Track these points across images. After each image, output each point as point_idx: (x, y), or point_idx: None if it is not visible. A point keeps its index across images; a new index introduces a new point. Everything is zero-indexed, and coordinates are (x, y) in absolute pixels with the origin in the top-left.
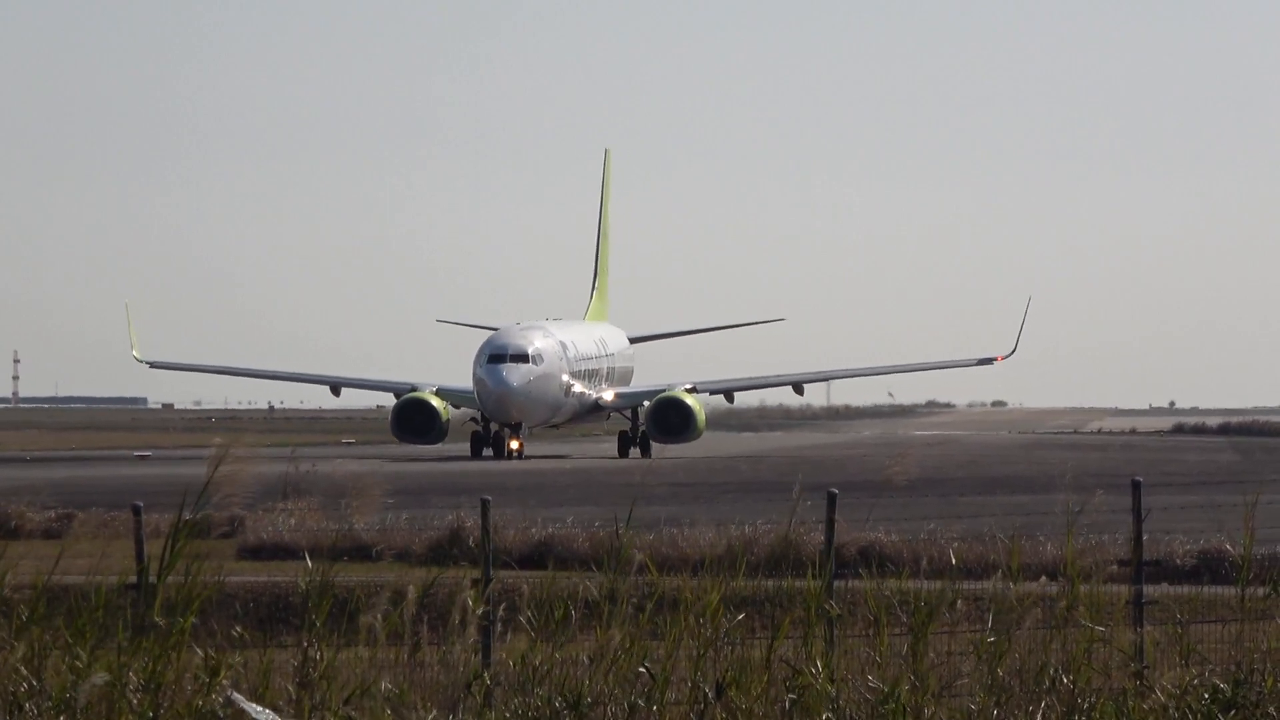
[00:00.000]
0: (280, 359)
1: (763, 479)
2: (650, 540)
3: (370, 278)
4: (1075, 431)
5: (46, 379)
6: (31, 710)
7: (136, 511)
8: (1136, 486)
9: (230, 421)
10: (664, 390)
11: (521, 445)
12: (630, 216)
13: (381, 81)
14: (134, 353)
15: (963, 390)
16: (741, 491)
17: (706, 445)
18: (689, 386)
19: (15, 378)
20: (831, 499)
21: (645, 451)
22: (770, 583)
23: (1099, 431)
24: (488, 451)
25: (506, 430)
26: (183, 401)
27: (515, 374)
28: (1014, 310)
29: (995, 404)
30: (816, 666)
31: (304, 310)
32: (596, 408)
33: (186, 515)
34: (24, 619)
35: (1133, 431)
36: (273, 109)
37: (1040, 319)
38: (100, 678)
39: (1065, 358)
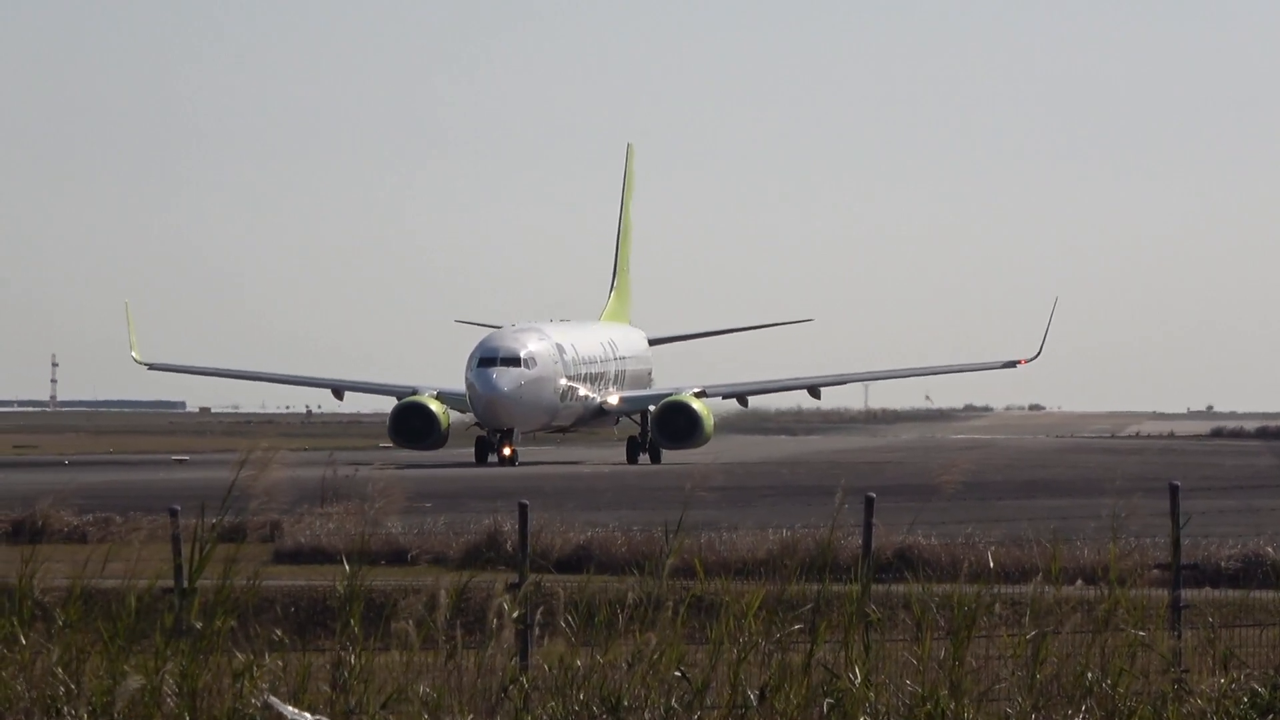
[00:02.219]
0: (297, 363)
1: (801, 483)
2: (689, 544)
3: (387, 279)
4: (1113, 435)
5: (84, 383)
6: (69, 713)
7: (174, 515)
8: (1174, 491)
9: (267, 426)
10: (671, 394)
11: (514, 451)
12: (655, 215)
13: (394, 80)
14: (133, 354)
15: (1000, 394)
16: (780, 495)
17: (738, 450)
18: (698, 390)
19: (53, 381)
20: (869, 503)
21: (655, 458)
22: (809, 587)
23: (1137, 435)
24: (493, 458)
25: (497, 436)
26: (220, 406)
27: (505, 378)
28: (1046, 313)
29: (1033, 408)
30: (855, 671)
31: (320, 313)
32: (601, 412)
33: (217, 519)
34: (62, 622)
35: (1171, 435)
36: (285, 109)
37: (1078, 322)
38: (136, 681)
39: (1103, 361)
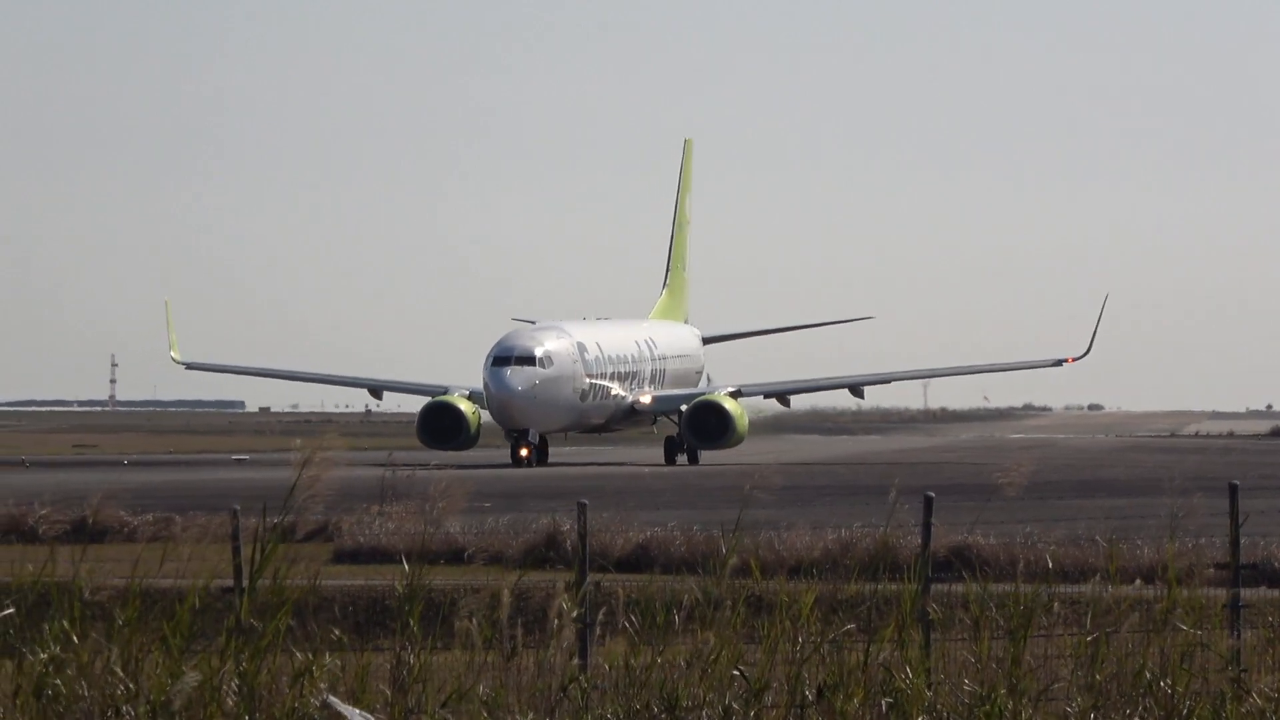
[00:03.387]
0: (352, 364)
1: (860, 482)
2: (748, 544)
3: (441, 276)
4: (1172, 435)
5: (144, 382)
6: (129, 713)
7: (234, 515)
8: (1234, 490)
9: (327, 425)
10: (704, 393)
11: (531, 452)
12: (715, 211)
13: (447, 75)
14: (172, 353)
15: (1059, 393)
16: (837, 495)
17: (792, 449)
18: (733, 389)
19: (112, 381)
20: (928, 502)
21: (693, 458)
22: (867, 586)
23: (1196, 435)
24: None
25: (513, 436)
26: (279, 405)
27: (518, 378)
28: (1111, 311)
29: (1092, 407)
30: (911, 671)
31: (374, 312)
32: (633, 411)
33: (278, 519)
34: (120, 622)
35: (1230, 435)
36: (339, 106)
37: (1136, 322)
38: (194, 679)
39: (1161, 361)
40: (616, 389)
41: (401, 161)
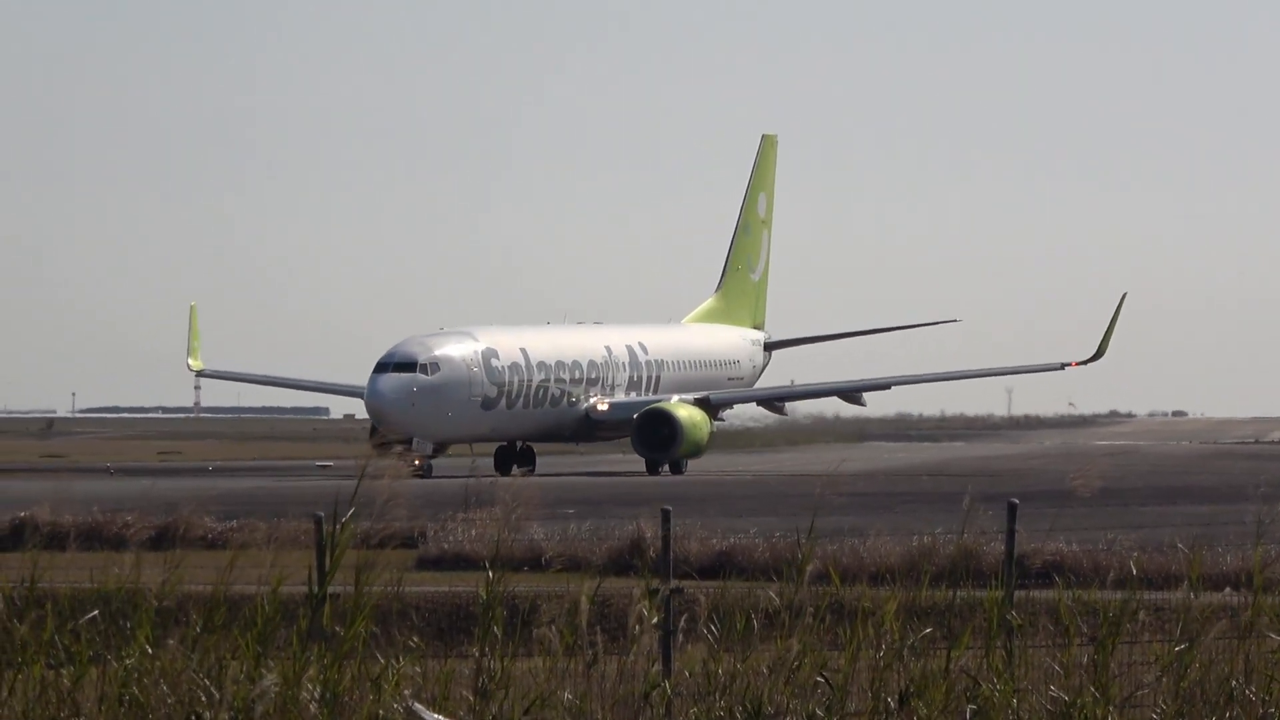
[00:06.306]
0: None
1: (942, 489)
2: (831, 550)
3: (497, 282)
4: (1256, 441)
5: (228, 389)
6: (210, 718)
7: (318, 522)
8: None
9: None
10: (658, 401)
11: (423, 461)
12: (794, 210)
13: (480, 76)
14: (189, 360)
15: (1143, 400)
16: (920, 501)
17: (873, 457)
18: (699, 396)
19: (197, 388)
20: (1012, 509)
21: (675, 468)
22: (950, 593)
23: (1279, 441)
24: (516, 469)
25: (403, 445)
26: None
27: (390, 385)
28: (1192, 316)
29: (1176, 414)
30: (996, 677)
31: (417, 315)
32: (589, 419)
33: (357, 524)
34: (200, 628)
35: None
36: (362, 107)
37: (1221, 326)
38: (274, 684)
39: (1246, 367)
40: (569, 396)
41: (447, 166)
